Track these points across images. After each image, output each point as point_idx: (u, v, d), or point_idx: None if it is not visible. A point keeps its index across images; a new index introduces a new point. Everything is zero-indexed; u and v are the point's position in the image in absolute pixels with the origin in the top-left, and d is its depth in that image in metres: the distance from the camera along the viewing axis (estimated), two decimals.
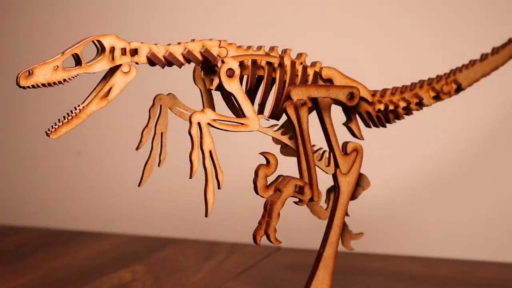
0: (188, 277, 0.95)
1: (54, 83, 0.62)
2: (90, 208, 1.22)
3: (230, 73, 0.67)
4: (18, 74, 0.62)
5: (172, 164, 1.16)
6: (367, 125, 0.75)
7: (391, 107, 0.75)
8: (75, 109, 0.64)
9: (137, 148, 0.74)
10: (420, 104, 0.76)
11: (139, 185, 0.74)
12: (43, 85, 0.62)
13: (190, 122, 0.65)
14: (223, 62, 0.67)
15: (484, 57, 0.79)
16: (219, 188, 0.67)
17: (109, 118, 1.19)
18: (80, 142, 1.22)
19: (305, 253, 1.06)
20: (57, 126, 0.63)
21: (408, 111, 0.76)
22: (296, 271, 0.98)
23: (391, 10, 1.08)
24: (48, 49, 1.22)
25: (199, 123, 0.65)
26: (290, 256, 1.06)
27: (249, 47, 0.70)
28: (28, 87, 0.62)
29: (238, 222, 1.16)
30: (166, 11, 1.18)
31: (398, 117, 0.76)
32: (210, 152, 0.66)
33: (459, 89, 0.77)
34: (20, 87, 0.62)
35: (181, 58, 0.67)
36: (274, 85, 0.69)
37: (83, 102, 0.64)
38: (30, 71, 0.62)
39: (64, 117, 0.63)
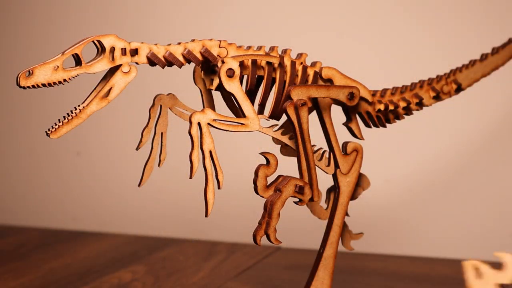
0: (188, 277, 0.95)
1: (54, 83, 0.62)
2: (90, 208, 1.22)
3: (230, 73, 0.67)
4: (18, 74, 0.62)
5: (172, 164, 1.16)
6: (367, 125, 0.75)
7: (391, 107, 0.75)
8: (75, 109, 0.64)
9: (137, 148, 0.74)
10: (420, 104, 0.76)
11: (139, 185, 0.74)
12: (43, 85, 0.62)
13: (190, 122, 0.65)
14: (223, 62, 0.67)
15: (484, 57, 0.79)
16: (219, 188, 0.67)
17: (109, 118, 1.19)
18: (80, 142, 1.22)
19: (305, 253, 1.06)
20: (57, 126, 0.63)
21: (408, 111, 0.76)
22: (296, 271, 0.98)
23: (391, 10, 1.08)
24: (48, 49, 1.22)
25: (199, 123, 0.65)
26: (290, 256, 1.06)
27: (249, 47, 0.70)
28: (28, 87, 0.61)
29: (238, 222, 1.16)
30: (166, 11, 1.18)
31: (398, 117, 0.76)
32: (210, 152, 0.66)
33: (459, 89, 0.77)
34: (20, 87, 0.62)
35: (181, 58, 0.67)
36: (274, 85, 0.69)
37: (83, 102, 0.64)
38: (30, 71, 0.62)
39: (64, 117, 0.63)
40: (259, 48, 0.70)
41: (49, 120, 1.23)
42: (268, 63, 0.69)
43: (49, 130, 0.63)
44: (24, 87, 0.62)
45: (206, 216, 0.67)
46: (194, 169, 0.67)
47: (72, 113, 0.63)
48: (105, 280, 0.94)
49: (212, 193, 0.67)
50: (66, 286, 0.92)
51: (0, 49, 1.27)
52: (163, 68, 0.67)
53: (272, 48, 0.70)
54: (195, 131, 0.65)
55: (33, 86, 0.62)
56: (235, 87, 0.67)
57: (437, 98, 0.77)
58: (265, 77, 0.69)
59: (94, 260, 1.04)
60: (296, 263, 1.03)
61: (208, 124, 0.65)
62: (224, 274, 0.97)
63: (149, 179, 1.20)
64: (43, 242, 1.15)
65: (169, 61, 0.66)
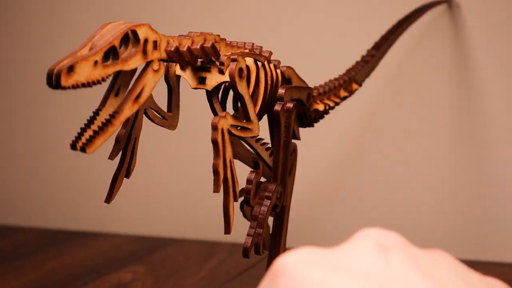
0: (188, 277, 0.95)
1: (93, 82, 0.50)
2: (90, 208, 1.22)
3: (241, 73, 0.61)
4: (56, 70, 0.48)
5: (172, 164, 1.16)
6: (302, 125, 0.73)
7: (326, 108, 0.74)
8: (110, 116, 0.53)
9: (111, 158, 0.64)
10: (338, 104, 0.76)
11: (108, 201, 0.65)
12: (83, 85, 0.50)
13: (215, 128, 0.58)
14: (235, 60, 0.60)
15: (373, 53, 0.83)
16: (235, 200, 0.61)
17: None
18: None
19: None
20: (89, 138, 0.51)
21: (331, 110, 0.75)
22: None
23: (380, 11, 1.08)
24: (46, 48, 1.22)
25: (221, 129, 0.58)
26: None
27: (236, 43, 0.65)
28: (68, 87, 0.49)
29: (238, 222, 1.15)
30: (158, 7, 1.17)
31: (322, 116, 0.75)
32: (230, 161, 0.59)
33: (358, 86, 0.80)
34: (58, 87, 0.48)
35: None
36: (259, 85, 0.65)
37: (117, 107, 0.53)
38: (72, 66, 0.48)
39: (98, 126, 0.52)
40: (244, 44, 0.65)
41: (48, 120, 1.23)
42: (255, 62, 0.64)
43: (82, 143, 0.51)
44: (64, 88, 0.48)
45: (228, 233, 0.60)
46: (220, 181, 0.58)
47: (106, 121, 0.53)
48: (105, 280, 0.94)
49: (233, 207, 0.60)
50: (66, 286, 0.92)
51: None
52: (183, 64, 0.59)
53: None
54: (220, 138, 0.58)
55: (73, 86, 0.49)
56: (245, 89, 0.62)
57: (346, 98, 0.78)
58: (253, 76, 0.64)
59: (94, 260, 1.04)
60: None
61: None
62: (224, 274, 0.97)
63: (149, 179, 1.19)
64: (43, 242, 1.15)
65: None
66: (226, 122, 0.58)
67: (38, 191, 1.25)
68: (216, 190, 0.58)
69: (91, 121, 0.52)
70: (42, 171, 1.25)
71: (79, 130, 0.52)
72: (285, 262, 0.32)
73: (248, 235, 0.63)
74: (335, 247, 0.34)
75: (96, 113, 0.53)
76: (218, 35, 0.62)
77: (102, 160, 1.23)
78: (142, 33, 0.53)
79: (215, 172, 0.58)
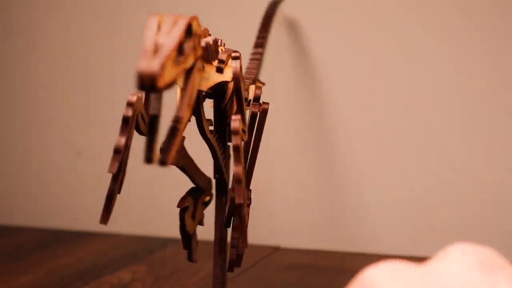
0: (188, 277, 0.95)
1: (172, 83, 0.44)
2: (90, 208, 1.22)
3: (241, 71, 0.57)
4: (150, 71, 0.41)
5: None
6: None
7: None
8: (175, 122, 0.47)
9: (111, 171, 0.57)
10: None
11: (105, 222, 0.58)
12: (166, 86, 0.43)
13: (236, 133, 0.53)
14: (237, 58, 0.55)
15: (260, 52, 0.83)
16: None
17: (109, 118, 1.19)
18: (80, 142, 1.22)
19: (305, 253, 1.06)
20: (165, 149, 0.47)
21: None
22: (296, 271, 0.98)
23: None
24: (46, 48, 1.22)
25: None
26: (290, 256, 1.06)
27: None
28: (162, 89, 0.42)
29: None
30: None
31: None
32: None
33: (262, 84, 0.80)
34: (153, 89, 0.41)
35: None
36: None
37: (177, 112, 0.48)
38: (163, 66, 0.42)
39: (168, 135, 0.47)
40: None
41: (48, 119, 1.23)
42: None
43: (159, 156, 0.46)
44: (157, 90, 0.41)
45: (245, 247, 0.57)
46: (243, 190, 0.53)
47: (173, 129, 0.47)
48: (105, 280, 0.94)
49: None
50: (66, 286, 0.91)
51: None
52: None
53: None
54: (240, 142, 0.53)
55: (165, 88, 0.43)
56: (244, 89, 0.59)
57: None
58: None
59: (94, 260, 1.04)
60: (296, 263, 1.03)
61: None
62: None
63: (149, 180, 1.20)
64: (43, 242, 1.15)
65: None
66: (241, 126, 0.54)
67: (38, 191, 1.25)
68: (240, 200, 0.52)
69: (153, 129, 0.45)
70: (42, 170, 1.25)
71: (146, 142, 0.46)
72: (372, 276, 0.30)
73: (232, 247, 0.59)
74: (424, 263, 0.31)
75: (154, 119, 0.46)
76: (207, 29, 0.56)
77: (102, 160, 1.23)
78: (194, 27, 0.47)
79: (238, 180, 0.52)
